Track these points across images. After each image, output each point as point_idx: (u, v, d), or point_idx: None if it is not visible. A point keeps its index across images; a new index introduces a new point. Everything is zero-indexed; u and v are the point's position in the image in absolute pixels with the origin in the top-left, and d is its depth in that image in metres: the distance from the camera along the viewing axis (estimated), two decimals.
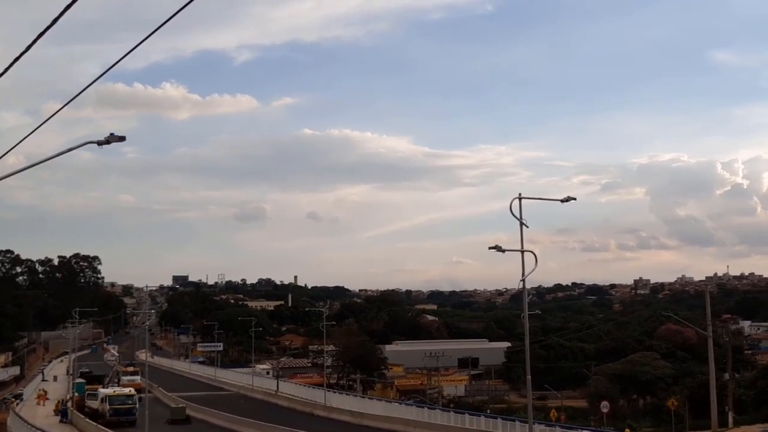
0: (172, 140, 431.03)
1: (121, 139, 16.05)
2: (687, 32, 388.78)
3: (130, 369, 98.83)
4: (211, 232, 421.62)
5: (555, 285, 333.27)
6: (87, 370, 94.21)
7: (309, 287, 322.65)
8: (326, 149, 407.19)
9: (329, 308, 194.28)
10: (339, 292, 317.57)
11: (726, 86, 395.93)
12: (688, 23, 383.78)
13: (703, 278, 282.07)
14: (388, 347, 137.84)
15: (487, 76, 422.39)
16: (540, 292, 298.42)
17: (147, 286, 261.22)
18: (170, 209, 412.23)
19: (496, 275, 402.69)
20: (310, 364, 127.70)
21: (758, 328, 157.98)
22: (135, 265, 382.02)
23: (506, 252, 31.55)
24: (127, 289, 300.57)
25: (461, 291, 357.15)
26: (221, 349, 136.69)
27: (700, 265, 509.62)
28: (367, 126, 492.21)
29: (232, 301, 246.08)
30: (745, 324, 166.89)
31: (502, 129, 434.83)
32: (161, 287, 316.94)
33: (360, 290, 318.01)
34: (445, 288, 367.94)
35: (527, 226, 30.67)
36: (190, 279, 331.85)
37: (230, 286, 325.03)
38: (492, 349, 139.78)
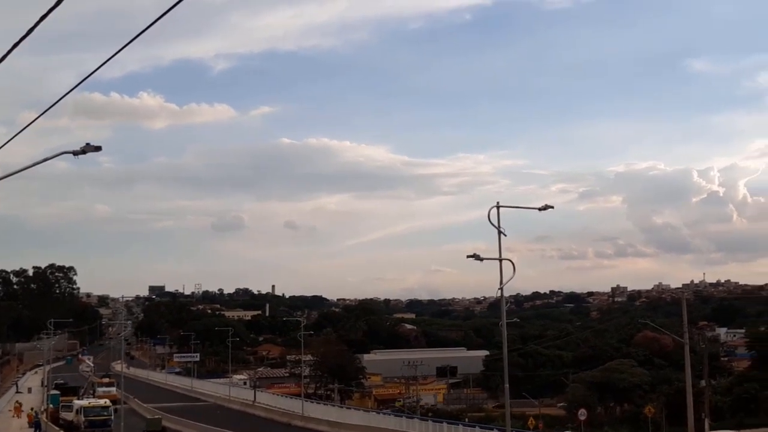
0: (148, 150, 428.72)
1: (97, 149, 16.04)
2: (664, 41, 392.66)
3: (106, 380, 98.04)
4: (188, 242, 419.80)
5: (533, 293, 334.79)
6: (62, 381, 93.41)
7: (287, 297, 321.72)
8: (304, 158, 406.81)
9: (307, 318, 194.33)
10: (317, 301, 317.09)
11: (702, 95, 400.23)
12: (665, 32, 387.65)
13: (680, 285, 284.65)
14: (366, 356, 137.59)
15: (465, 85, 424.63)
16: (518, 300, 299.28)
17: (123, 297, 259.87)
18: (147, 219, 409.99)
19: (475, 283, 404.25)
20: (287, 374, 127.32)
21: (734, 335, 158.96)
22: (111, 275, 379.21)
23: (484, 260, 31.70)
24: (103, 300, 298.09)
25: (440, 299, 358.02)
26: (198, 359, 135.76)
27: (677, 273, 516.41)
28: (346, 135, 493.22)
29: (209, 311, 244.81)
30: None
31: (480, 138, 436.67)
32: (137, 297, 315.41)
33: (338, 299, 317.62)
34: (424, 296, 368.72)
35: (505, 235, 30.88)
36: (167, 289, 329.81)
37: (207, 296, 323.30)
38: (470, 358, 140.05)
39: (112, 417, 63.53)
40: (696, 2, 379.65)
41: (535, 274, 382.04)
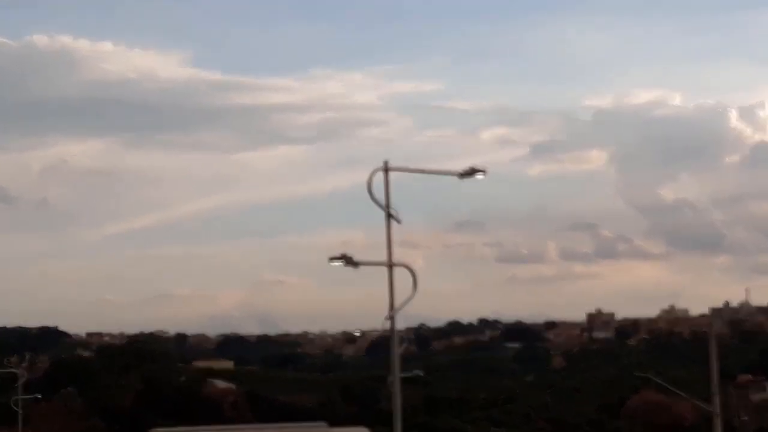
0: None
1: None
2: None
3: None
4: None
5: (449, 323, 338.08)
6: None
7: None
8: (25, 71, 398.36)
9: (29, 367, 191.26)
10: (49, 337, 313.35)
11: None
12: None
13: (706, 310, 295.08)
14: None
15: None
16: (422, 335, 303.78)
17: None
18: None
19: (344, 306, 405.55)
20: None
21: None
22: None
23: (361, 266, 32.19)
24: None
25: (278, 334, 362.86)
26: None
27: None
28: (105, 32, 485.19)
29: None
30: None
31: (354, 42, 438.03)
32: None
33: (88, 335, 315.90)
34: (250, 329, 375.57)
35: (398, 221, 31.40)
36: None
37: None
38: None
39: None
40: None
41: (454, 289, 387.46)
